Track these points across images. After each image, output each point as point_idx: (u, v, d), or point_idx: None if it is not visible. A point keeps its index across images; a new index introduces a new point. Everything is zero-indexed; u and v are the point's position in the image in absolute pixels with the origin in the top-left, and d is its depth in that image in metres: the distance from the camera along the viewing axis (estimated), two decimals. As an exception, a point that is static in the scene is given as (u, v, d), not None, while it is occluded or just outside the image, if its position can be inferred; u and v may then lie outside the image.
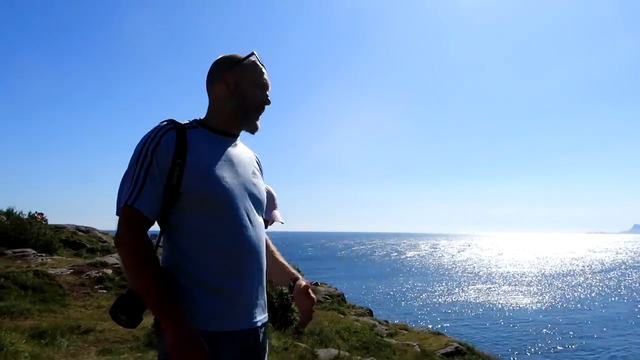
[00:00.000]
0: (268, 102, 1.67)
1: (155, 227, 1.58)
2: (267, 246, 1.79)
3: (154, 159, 1.47)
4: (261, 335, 1.65)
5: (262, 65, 1.68)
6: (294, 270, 1.89)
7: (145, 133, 1.54)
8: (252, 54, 1.66)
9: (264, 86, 1.67)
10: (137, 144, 1.53)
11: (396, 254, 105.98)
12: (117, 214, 1.50)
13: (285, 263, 1.91)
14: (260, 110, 1.67)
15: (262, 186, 1.71)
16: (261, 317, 1.63)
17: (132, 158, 1.52)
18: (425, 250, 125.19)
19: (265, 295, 1.68)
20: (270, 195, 2.10)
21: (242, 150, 1.70)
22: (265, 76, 1.68)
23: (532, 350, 20.42)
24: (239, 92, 1.61)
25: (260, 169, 1.79)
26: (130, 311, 1.46)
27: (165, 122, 1.55)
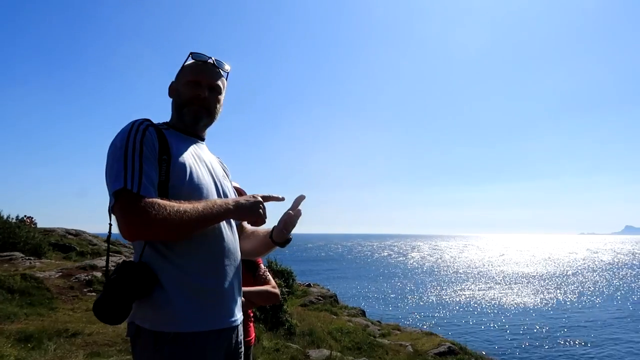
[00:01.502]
0: (199, 95, 1.66)
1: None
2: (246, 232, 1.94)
3: (144, 148, 1.45)
4: (240, 333, 1.67)
5: (206, 61, 1.70)
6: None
7: (122, 128, 1.50)
8: (190, 55, 1.71)
9: (198, 81, 1.67)
10: (115, 139, 1.48)
11: (392, 255, 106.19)
12: (110, 209, 1.42)
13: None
14: (191, 104, 1.66)
15: (232, 189, 1.78)
16: (240, 315, 1.65)
17: (115, 151, 1.45)
18: (423, 251, 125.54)
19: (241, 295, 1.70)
20: (240, 192, 2.10)
21: (209, 153, 1.77)
22: (201, 71, 1.69)
23: (525, 349, 20.51)
24: (177, 94, 1.71)
25: (227, 172, 1.87)
26: (114, 305, 1.39)
27: (142, 119, 1.55)
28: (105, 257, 11.86)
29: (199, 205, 1.43)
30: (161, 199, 1.41)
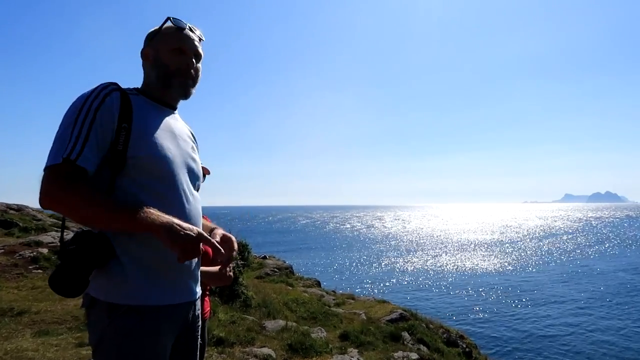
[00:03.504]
0: (188, 65, 1.61)
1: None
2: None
3: (97, 116, 1.40)
4: (198, 308, 1.67)
5: (186, 28, 1.62)
6: (212, 224, 1.84)
7: (84, 92, 1.45)
8: (167, 19, 1.62)
9: (183, 49, 1.60)
10: (73, 102, 1.43)
11: (348, 227, 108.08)
12: (45, 170, 1.37)
13: (207, 222, 1.86)
14: (181, 75, 1.60)
15: (199, 162, 1.71)
16: (198, 289, 1.65)
17: (68, 115, 1.41)
18: (376, 222, 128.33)
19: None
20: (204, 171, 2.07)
21: (180, 124, 1.69)
22: (186, 38, 1.62)
23: (473, 312, 21.71)
24: (158, 62, 1.60)
25: (196, 145, 1.78)
26: (73, 276, 1.36)
27: (108, 83, 1.50)
28: (51, 233, 11.38)
29: (126, 211, 1.34)
30: (119, 170, 1.40)
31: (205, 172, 2.21)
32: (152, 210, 1.36)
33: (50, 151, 1.37)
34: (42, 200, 1.36)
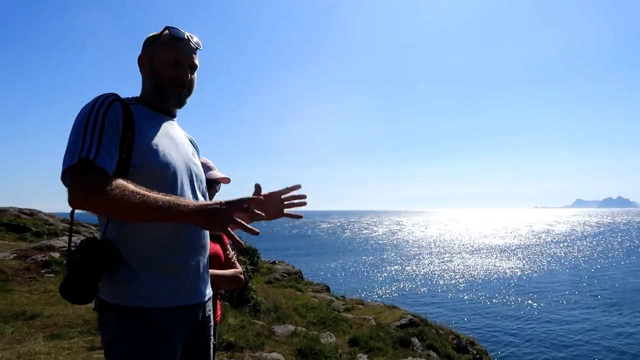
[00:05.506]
0: (182, 77, 1.63)
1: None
2: None
3: (106, 122, 1.42)
4: (208, 310, 1.70)
5: (183, 38, 1.63)
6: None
7: (87, 103, 1.47)
8: (166, 29, 1.63)
9: (179, 61, 1.62)
10: (79, 113, 1.45)
11: (356, 231, 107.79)
12: (62, 178, 1.37)
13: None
14: (175, 86, 1.62)
15: (201, 167, 1.75)
16: (207, 291, 1.67)
17: (76, 125, 1.42)
18: (386, 227, 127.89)
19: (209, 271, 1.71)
20: (205, 162, 2.11)
21: (179, 130, 1.73)
22: (182, 49, 1.63)
23: (484, 317, 21.50)
24: (154, 72, 1.62)
25: (197, 150, 1.82)
26: (81, 284, 1.38)
27: (109, 94, 1.52)
28: (63, 237, 11.51)
29: (152, 196, 1.33)
30: (122, 178, 1.38)
31: (225, 181, 2.23)
32: (175, 197, 1.37)
33: (65, 156, 1.38)
34: (74, 199, 1.34)
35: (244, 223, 1.37)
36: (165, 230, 1.50)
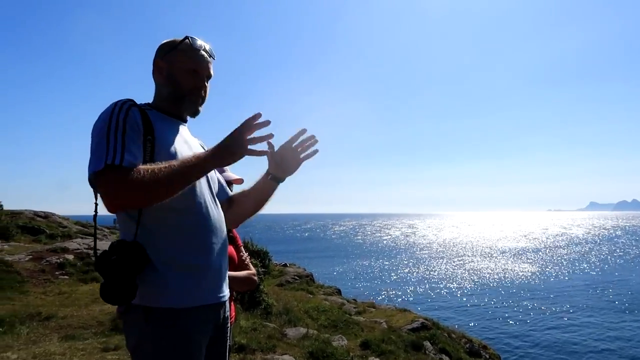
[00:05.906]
0: (200, 87, 1.67)
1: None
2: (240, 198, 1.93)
3: (127, 127, 1.43)
4: (227, 309, 1.74)
5: (201, 48, 1.66)
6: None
7: (104, 109, 1.49)
8: (186, 38, 1.66)
9: (198, 71, 1.65)
10: (98, 119, 1.47)
11: (367, 234, 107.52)
12: (91, 182, 1.40)
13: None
14: (193, 95, 1.66)
15: (214, 171, 1.78)
16: (227, 291, 1.70)
17: (98, 131, 1.43)
18: (398, 230, 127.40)
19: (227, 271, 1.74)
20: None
21: (191, 135, 1.76)
22: (201, 60, 1.66)
23: (497, 321, 21.27)
24: (171, 79, 1.64)
25: None
26: (122, 285, 1.40)
27: (126, 99, 1.54)
28: (76, 240, 11.64)
29: (174, 162, 1.42)
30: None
31: (239, 182, 2.24)
32: (188, 156, 1.47)
33: (90, 162, 1.39)
34: (112, 203, 1.36)
35: (255, 148, 1.53)
36: (188, 230, 1.54)
